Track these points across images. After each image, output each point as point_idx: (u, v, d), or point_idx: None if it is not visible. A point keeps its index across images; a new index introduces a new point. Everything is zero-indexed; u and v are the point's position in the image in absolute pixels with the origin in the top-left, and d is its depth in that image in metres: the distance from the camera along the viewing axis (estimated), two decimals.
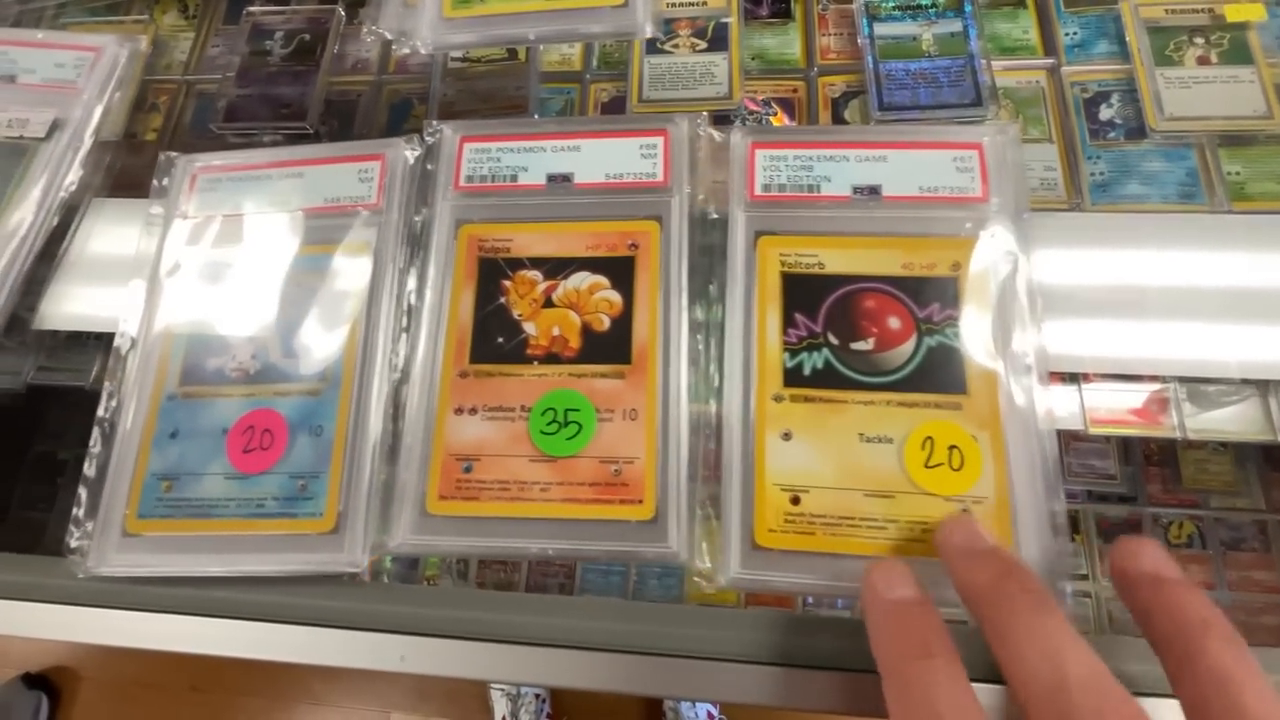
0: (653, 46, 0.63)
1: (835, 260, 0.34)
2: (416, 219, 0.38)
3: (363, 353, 0.35)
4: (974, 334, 0.32)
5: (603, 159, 0.37)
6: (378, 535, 0.32)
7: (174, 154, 0.41)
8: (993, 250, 0.34)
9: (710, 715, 1.13)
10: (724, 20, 0.63)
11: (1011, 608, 0.23)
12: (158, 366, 0.36)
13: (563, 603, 0.31)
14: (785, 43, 0.66)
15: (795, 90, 0.64)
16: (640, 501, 0.32)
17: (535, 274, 0.36)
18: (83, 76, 0.43)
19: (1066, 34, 0.61)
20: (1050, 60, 0.59)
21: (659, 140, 0.37)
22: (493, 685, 1.24)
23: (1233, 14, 0.58)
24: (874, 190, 0.36)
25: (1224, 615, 0.23)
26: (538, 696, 1.21)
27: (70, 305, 0.40)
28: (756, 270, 0.34)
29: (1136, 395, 0.53)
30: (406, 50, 0.40)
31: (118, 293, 0.39)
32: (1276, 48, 0.53)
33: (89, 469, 0.34)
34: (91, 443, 0.35)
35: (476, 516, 0.32)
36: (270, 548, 0.32)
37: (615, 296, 0.35)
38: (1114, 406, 0.48)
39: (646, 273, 0.35)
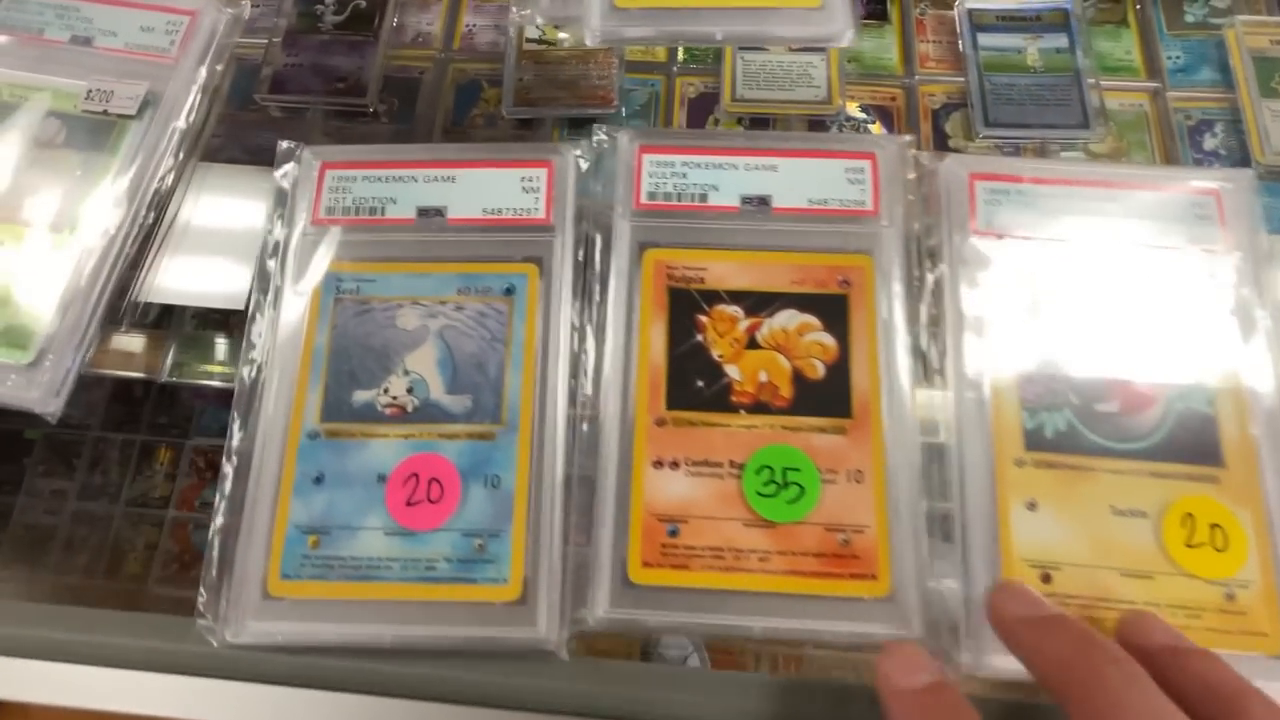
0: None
1: (1082, 304, 0.31)
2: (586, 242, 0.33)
3: (541, 390, 0.31)
4: (1227, 396, 0.30)
5: (803, 182, 0.33)
6: (574, 607, 0.28)
7: (294, 144, 0.36)
8: (1235, 289, 0.31)
9: None
10: None
11: (1102, 685, 0.21)
12: (295, 396, 0.31)
13: (782, 685, 0.28)
14: (882, 46, 0.63)
15: (894, 98, 0.61)
16: (874, 576, 0.28)
17: (735, 310, 0.32)
18: (176, 45, 0.37)
19: (1169, 57, 0.59)
20: (1154, 84, 0.57)
21: (866, 164, 0.34)
22: None
23: None
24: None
25: (1253, 685, 0.22)
26: None
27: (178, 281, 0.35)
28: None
29: None
30: (567, 37, 0.35)
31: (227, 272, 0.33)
32: None
33: (216, 518, 0.29)
34: (219, 488, 0.30)
35: (688, 588, 0.28)
36: (446, 617, 0.28)
37: (829, 340, 0.31)
38: None
39: (862, 313, 0.32)
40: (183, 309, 0.39)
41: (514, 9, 0.37)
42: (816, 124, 0.56)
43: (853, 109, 0.57)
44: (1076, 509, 0.29)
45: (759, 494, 0.29)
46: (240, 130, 0.58)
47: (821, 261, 0.32)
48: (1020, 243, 0.32)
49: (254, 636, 0.28)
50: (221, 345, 0.39)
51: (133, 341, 0.37)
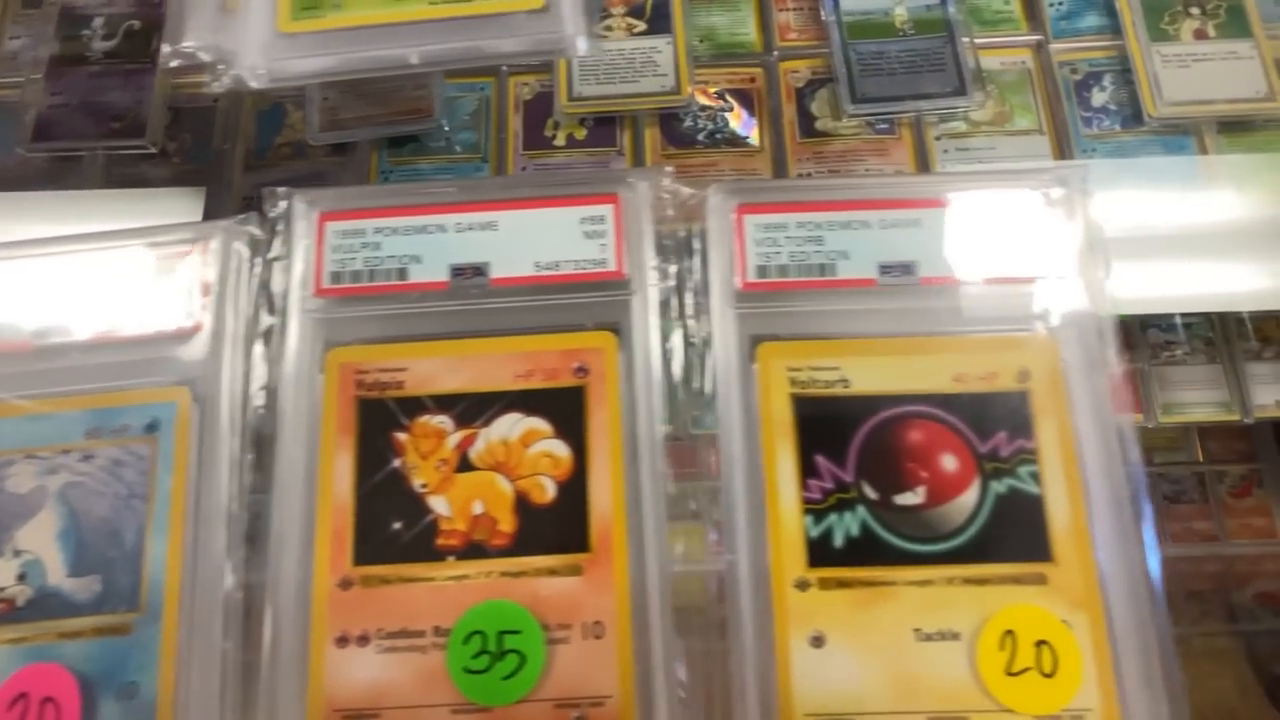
0: None
1: (864, 374, 0.25)
2: (260, 343, 0.26)
3: (193, 561, 0.24)
4: (1057, 472, 0.24)
5: (530, 240, 0.26)
6: None
7: None
8: (1072, 344, 0.25)
9: None
10: None
11: None
12: None
13: None
14: (737, 21, 0.55)
15: (753, 79, 0.53)
16: None
17: (443, 420, 0.25)
18: None
19: (1051, 4, 0.53)
20: (1036, 36, 0.51)
21: (608, 209, 0.26)
22: None
23: None
24: (907, 268, 0.26)
25: None
26: None
27: None
28: (758, 393, 0.25)
29: None
30: (226, 85, 0.27)
31: None
32: (1276, 16, 0.47)
33: None
34: None
35: None
36: None
37: (561, 449, 0.24)
38: None
39: (604, 409, 0.25)
40: None
41: (165, 47, 0.29)
42: (668, 118, 0.49)
43: (706, 98, 0.50)
44: (874, 639, 0.23)
45: (466, 670, 0.22)
46: (13, 185, 0.50)
47: (553, 345, 0.25)
48: (802, 294, 0.25)
49: None
50: None
51: None
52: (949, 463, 0.24)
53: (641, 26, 0.51)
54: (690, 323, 0.25)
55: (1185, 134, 0.47)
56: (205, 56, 0.30)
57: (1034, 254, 0.26)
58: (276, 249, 0.27)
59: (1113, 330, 0.25)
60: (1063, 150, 0.47)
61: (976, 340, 0.25)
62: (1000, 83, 0.50)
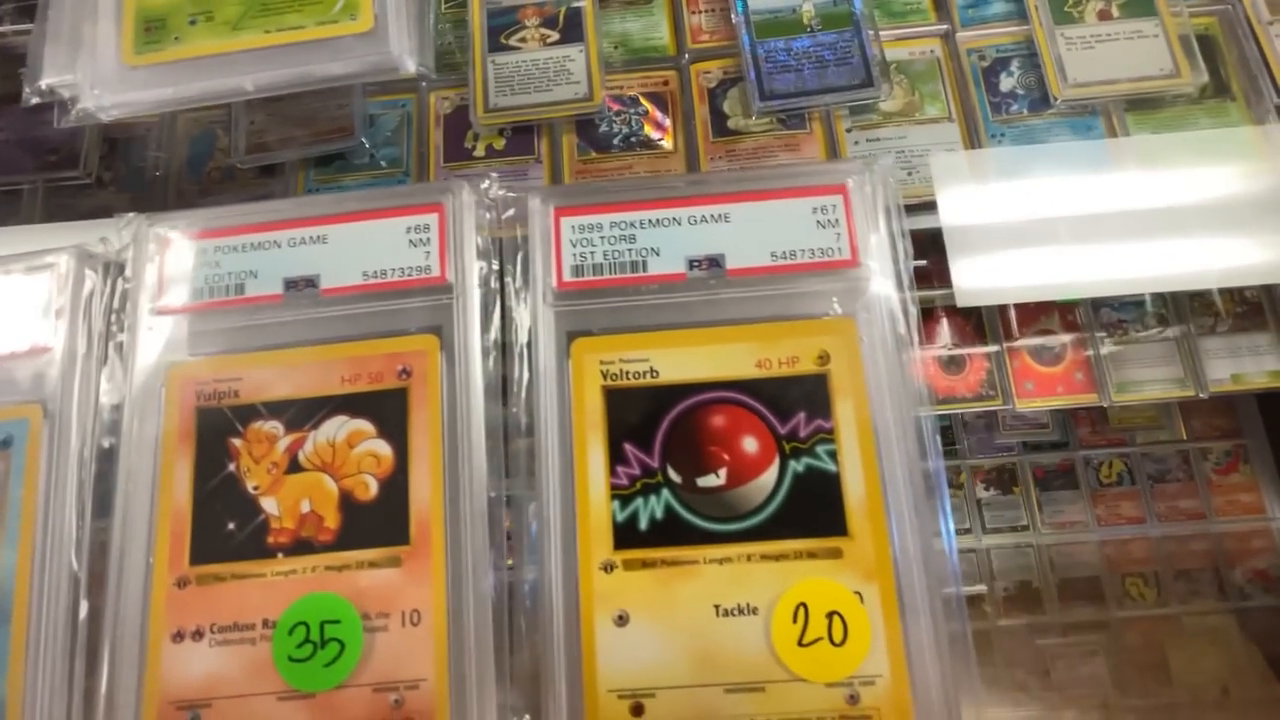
0: (495, 42, 0.53)
1: (671, 364, 0.26)
2: (113, 357, 0.28)
3: (41, 566, 0.25)
4: (853, 451, 0.25)
5: (358, 251, 0.27)
6: None
7: None
8: (870, 329, 0.26)
9: None
10: (576, 4, 0.53)
11: None
12: None
13: None
14: (650, 26, 0.56)
15: (666, 82, 0.55)
16: None
17: (274, 425, 0.26)
18: None
19: None
20: (944, 26, 0.51)
21: (432, 218, 0.28)
22: None
23: None
24: (715, 261, 0.27)
25: None
26: None
27: None
28: (571, 386, 0.26)
29: (1059, 361, 0.51)
30: (75, 119, 0.28)
31: None
32: None
33: None
34: None
35: None
36: None
37: (383, 448, 0.26)
38: (1039, 376, 0.47)
39: (425, 409, 0.26)
40: None
41: (26, 88, 0.31)
42: (584, 124, 0.50)
43: (615, 104, 0.51)
44: (675, 616, 0.24)
45: (291, 659, 0.24)
46: None
47: (378, 350, 0.27)
48: (614, 291, 0.27)
49: None
50: None
51: None
52: (749, 445, 0.25)
53: (555, 36, 0.52)
54: (517, 321, 0.27)
55: (1093, 114, 0.47)
56: (65, 93, 0.31)
57: (834, 243, 0.27)
58: (128, 270, 0.28)
59: (914, 314, 0.26)
60: (972, 136, 0.48)
61: (779, 326, 0.26)
62: (910, 73, 0.51)
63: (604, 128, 0.51)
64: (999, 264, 0.33)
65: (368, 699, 0.24)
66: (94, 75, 0.28)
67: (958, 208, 0.32)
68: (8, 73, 0.54)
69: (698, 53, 0.53)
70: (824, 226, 0.26)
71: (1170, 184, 0.37)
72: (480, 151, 0.51)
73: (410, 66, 0.29)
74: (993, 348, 0.57)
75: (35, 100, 0.30)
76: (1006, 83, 0.50)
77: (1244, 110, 0.46)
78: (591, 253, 0.27)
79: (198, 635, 0.24)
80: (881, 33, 0.51)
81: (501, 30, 0.52)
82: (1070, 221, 0.35)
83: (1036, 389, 0.57)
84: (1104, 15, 0.49)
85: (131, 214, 0.28)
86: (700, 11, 0.55)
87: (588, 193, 0.28)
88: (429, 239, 0.27)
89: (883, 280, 0.26)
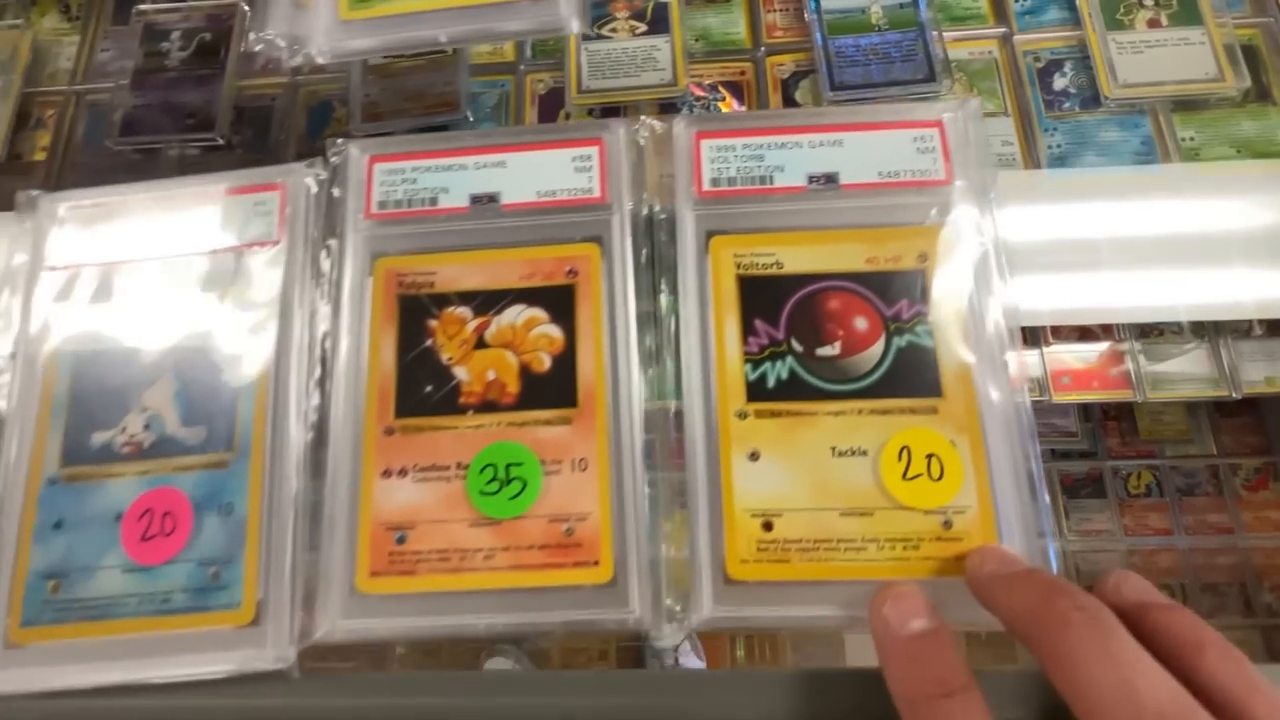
0: (590, 32, 0.59)
1: (794, 258, 0.31)
2: (325, 255, 0.33)
3: (273, 414, 0.31)
4: (947, 330, 0.30)
5: (532, 175, 0.33)
6: (305, 623, 0.29)
7: (35, 192, 0.36)
8: (961, 236, 0.31)
9: None
10: (663, 0, 0.59)
11: (1067, 630, 0.22)
12: (34, 445, 0.31)
13: (521, 679, 0.28)
14: (729, 21, 0.63)
15: (743, 72, 0.61)
16: (596, 563, 0.28)
17: (464, 310, 0.32)
18: None
19: (1017, 1, 0.59)
20: (1002, 29, 0.56)
21: (594, 150, 0.33)
22: None
23: None
24: (831, 178, 0.33)
25: (1218, 634, 0.23)
26: None
27: None
28: (710, 274, 0.31)
29: (1094, 357, 0.54)
30: (299, 60, 0.35)
31: None
32: (1224, 6, 0.52)
33: None
34: None
35: (414, 593, 0.29)
36: (182, 648, 0.28)
37: (555, 331, 0.31)
38: (1075, 371, 0.49)
39: (589, 302, 0.31)
40: None
41: (251, 35, 0.37)
42: (666, 107, 0.56)
43: (700, 90, 0.57)
44: (798, 455, 0.29)
45: (482, 492, 0.29)
46: (97, 176, 0.58)
47: (549, 254, 0.32)
48: (745, 200, 0.32)
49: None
50: None
51: None
52: (860, 323, 0.30)
53: (643, 28, 0.58)
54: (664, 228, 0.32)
55: (1141, 113, 0.52)
56: (280, 43, 0.38)
57: (931, 165, 0.32)
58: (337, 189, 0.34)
59: (993, 225, 0.31)
60: (1026, 129, 0.53)
61: (885, 231, 0.31)
62: (968, 71, 0.56)
63: (685, 111, 0.56)
64: (1055, 284, 0.36)
65: (544, 527, 0.29)
66: (315, 27, 0.35)
67: (1017, 226, 0.35)
68: (151, 47, 0.61)
69: (772, 47, 0.58)
70: (923, 152, 0.32)
71: (1211, 214, 0.40)
72: None
73: (575, 27, 0.34)
74: (1032, 351, 0.61)
75: (258, 48, 0.36)
76: (1060, 82, 0.55)
77: None
78: (726, 168, 0.32)
79: (402, 473, 0.30)
80: (944, 35, 0.56)
81: (594, 21, 0.58)
82: (1122, 244, 0.38)
83: (1073, 383, 0.61)
84: (1153, 23, 0.53)
85: (343, 140, 0.34)
86: (775, 10, 0.61)
87: (723, 119, 0.34)
88: (591, 166, 0.33)
89: (970, 197, 0.31)
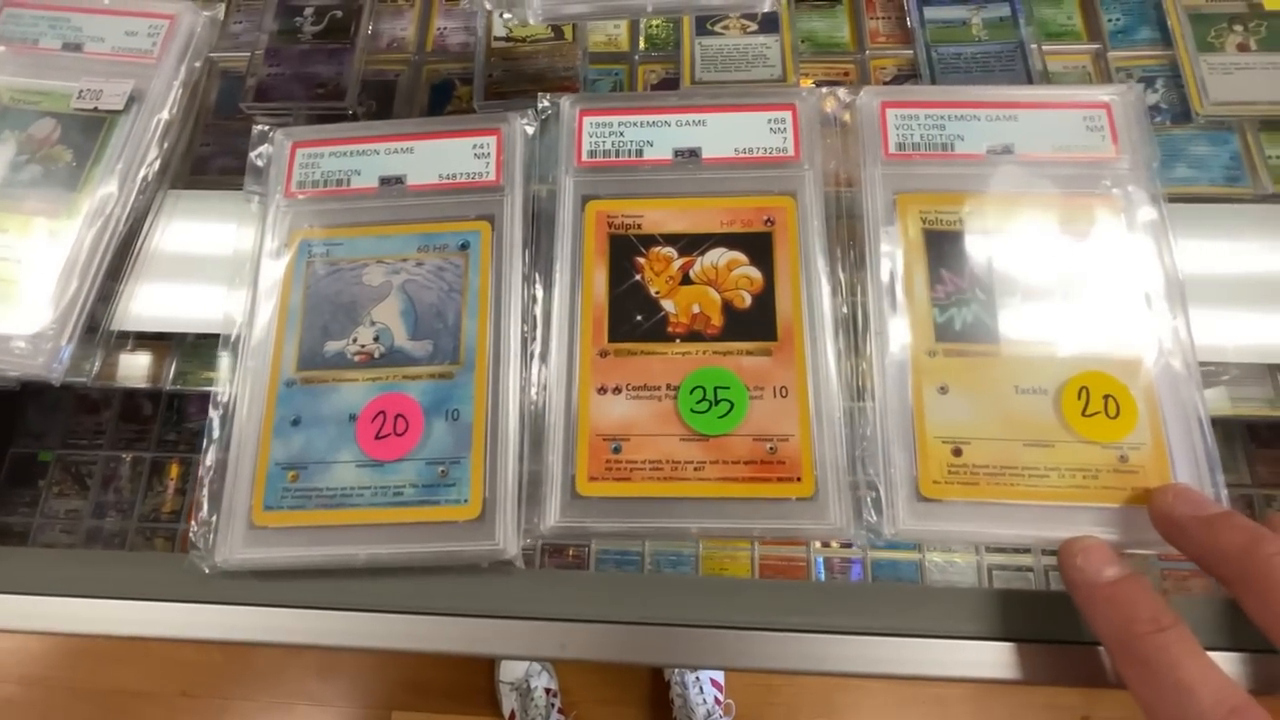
0: (702, 27, 0.62)
1: (975, 220, 0.34)
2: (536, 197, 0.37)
3: (495, 333, 0.34)
4: (1118, 288, 0.33)
5: (730, 134, 0.37)
6: (528, 520, 0.31)
7: (268, 127, 0.39)
8: (1129, 204, 0.34)
9: (716, 699, 1.14)
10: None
11: (1273, 573, 0.23)
12: (273, 351, 0.34)
13: (722, 583, 0.30)
14: (834, 25, 0.66)
15: (847, 74, 0.64)
16: (798, 479, 0.31)
17: (670, 250, 0.35)
18: (158, 46, 0.41)
19: (1109, 19, 0.62)
20: (1096, 45, 0.60)
21: (787, 115, 0.37)
22: (501, 680, 1.22)
23: (1270, 2, 0.59)
24: (1008, 149, 0.36)
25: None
26: (548, 691, 1.20)
27: (148, 306, 0.38)
28: (899, 229, 0.34)
29: None
30: (512, 19, 0.38)
31: (198, 290, 0.37)
32: None
33: (206, 461, 0.32)
34: (207, 433, 0.33)
35: (630, 497, 0.31)
36: (413, 536, 0.31)
37: (755, 273, 0.34)
38: None
39: (785, 248, 0.34)
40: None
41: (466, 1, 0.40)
42: None
43: (807, 85, 0.60)
44: (983, 390, 0.32)
45: (693, 411, 0.32)
46: (230, 138, 0.62)
47: (748, 204, 0.35)
48: (929, 163, 0.35)
49: (242, 562, 0.31)
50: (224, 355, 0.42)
51: (136, 356, 0.40)
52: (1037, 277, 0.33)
53: (754, 27, 0.62)
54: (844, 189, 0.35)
55: (1229, 130, 0.55)
56: (489, 6, 0.41)
57: (1100, 140, 0.35)
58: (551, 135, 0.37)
59: (1160, 197, 0.34)
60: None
61: (1059, 197, 0.34)
62: (1063, 82, 0.59)
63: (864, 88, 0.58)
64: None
65: (749, 445, 0.31)
66: None
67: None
68: (284, 20, 0.65)
69: (875, 51, 0.62)
70: (1091, 130, 0.35)
71: None
72: None
73: (767, 5, 0.38)
74: None
75: (479, 8, 0.40)
76: (1151, 98, 0.58)
77: None
78: (911, 134, 0.36)
79: (617, 390, 0.33)
80: (1042, 49, 0.59)
81: (708, 18, 0.62)
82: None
83: None
84: (1242, 47, 0.56)
85: (560, 94, 0.38)
86: (878, 18, 0.64)
87: (910, 91, 0.37)
88: (785, 129, 0.36)
89: (1138, 171, 0.34)
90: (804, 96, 0.37)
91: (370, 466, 0.32)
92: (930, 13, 0.62)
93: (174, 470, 1.10)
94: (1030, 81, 0.57)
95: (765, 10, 0.38)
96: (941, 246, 0.34)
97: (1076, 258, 0.33)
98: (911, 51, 0.60)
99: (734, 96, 0.37)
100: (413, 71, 0.65)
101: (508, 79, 0.62)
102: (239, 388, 0.33)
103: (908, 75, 0.61)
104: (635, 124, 0.37)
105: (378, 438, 0.32)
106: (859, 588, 0.31)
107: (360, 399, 0.33)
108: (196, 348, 0.41)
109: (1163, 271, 0.33)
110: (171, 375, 0.42)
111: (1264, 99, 0.54)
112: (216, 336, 0.37)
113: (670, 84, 0.62)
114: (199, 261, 0.39)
